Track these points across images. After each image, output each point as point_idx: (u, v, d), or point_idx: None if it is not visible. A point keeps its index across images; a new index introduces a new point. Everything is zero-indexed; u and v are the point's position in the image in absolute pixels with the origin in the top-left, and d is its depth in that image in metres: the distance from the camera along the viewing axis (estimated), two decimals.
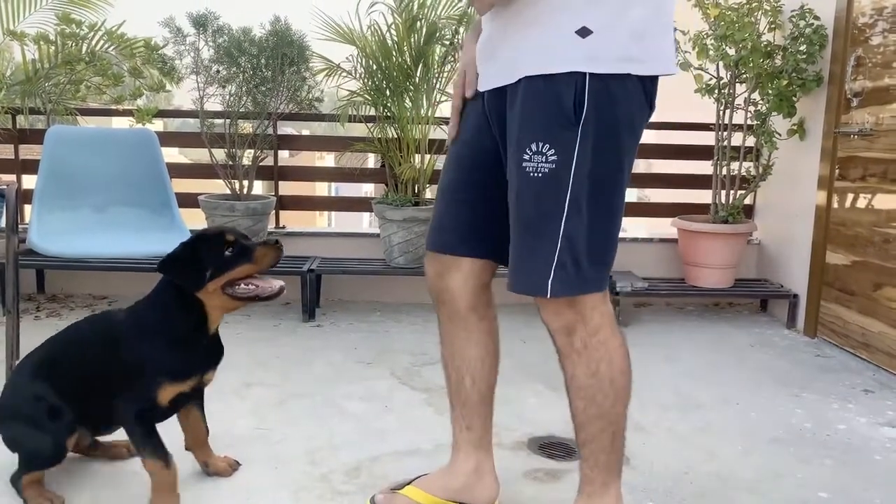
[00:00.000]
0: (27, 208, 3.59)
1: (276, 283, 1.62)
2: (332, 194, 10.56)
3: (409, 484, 1.66)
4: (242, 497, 1.75)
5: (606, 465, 1.40)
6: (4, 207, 2.36)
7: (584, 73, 1.21)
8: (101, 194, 2.81)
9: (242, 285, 1.60)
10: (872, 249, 2.94)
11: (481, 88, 1.41)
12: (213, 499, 1.74)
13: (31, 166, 3.75)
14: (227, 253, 1.58)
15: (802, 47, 3.28)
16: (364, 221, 14.46)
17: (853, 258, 3.06)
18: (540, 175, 1.25)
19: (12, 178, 3.72)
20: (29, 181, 3.67)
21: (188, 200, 3.51)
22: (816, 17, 3.28)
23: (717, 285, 3.57)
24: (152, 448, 1.57)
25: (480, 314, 1.55)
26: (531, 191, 1.27)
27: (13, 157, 3.79)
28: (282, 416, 2.26)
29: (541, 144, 1.24)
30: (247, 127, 3.64)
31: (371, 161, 4.18)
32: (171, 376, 1.59)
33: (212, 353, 1.68)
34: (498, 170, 1.39)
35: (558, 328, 1.35)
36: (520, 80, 1.27)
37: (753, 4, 3.39)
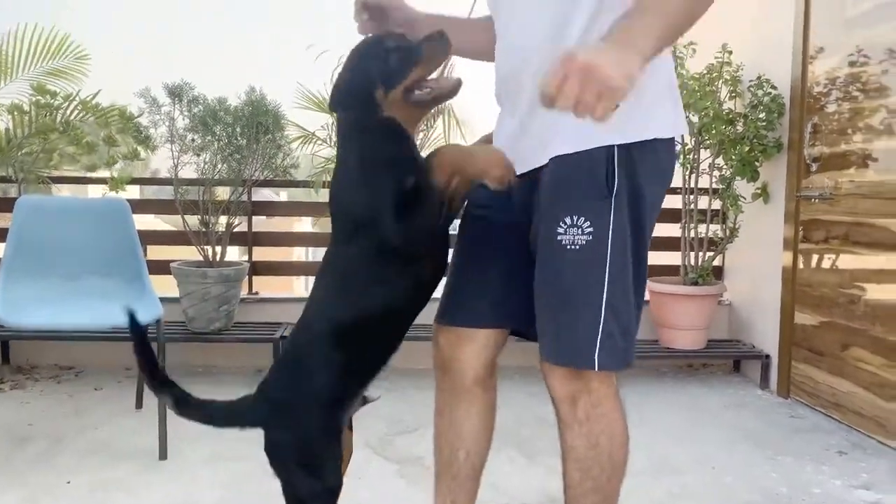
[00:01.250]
0: None
1: (452, 78, 1.41)
2: (311, 259, 10.53)
3: None
4: None
5: None
6: None
7: (613, 146, 1.26)
8: (71, 264, 2.79)
9: (417, 91, 1.38)
10: (838, 310, 3.00)
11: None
12: None
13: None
14: (392, 62, 1.36)
15: (762, 115, 3.41)
16: None
17: (820, 319, 3.12)
18: (577, 247, 1.27)
19: None
20: None
21: (160, 267, 3.48)
22: (774, 87, 3.42)
23: (691, 347, 3.59)
24: None
25: (485, 386, 1.53)
26: (569, 263, 1.28)
27: None
28: (255, 489, 2.20)
29: (576, 217, 1.26)
30: (221, 194, 3.65)
31: None
32: None
33: None
34: (515, 242, 1.40)
35: (563, 396, 1.34)
36: (550, 159, 1.30)
37: (714, 74, 3.54)
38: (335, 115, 1.41)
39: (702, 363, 3.88)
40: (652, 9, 1.12)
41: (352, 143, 1.39)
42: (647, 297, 3.69)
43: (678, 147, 3.64)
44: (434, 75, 1.40)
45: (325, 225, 4.07)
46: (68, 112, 3.48)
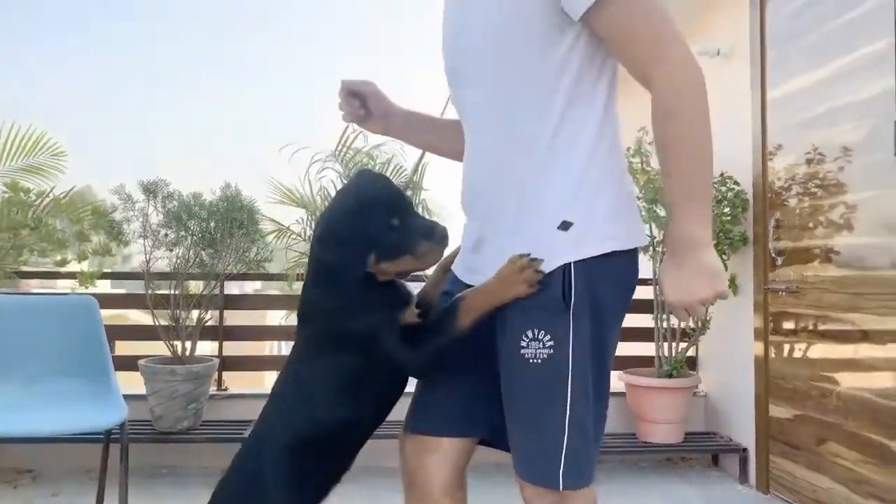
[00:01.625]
0: None
1: (436, 249, 1.33)
2: (279, 353, 10.35)
3: None
4: None
5: None
6: None
7: (570, 262, 1.27)
8: (33, 364, 2.71)
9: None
10: (811, 403, 3.00)
11: (465, 280, 1.42)
12: None
13: None
14: (389, 239, 1.29)
15: (727, 209, 3.51)
16: None
17: (794, 412, 3.12)
18: (539, 361, 1.27)
19: None
20: None
21: (127, 363, 3.40)
22: (736, 183, 3.54)
23: (668, 440, 3.55)
24: None
25: (453, 498, 1.48)
26: (532, 378, 1.28)
27: None
28: None
29: (537, 331, 1.27)
30: (193, 288, 3.62)
31: None
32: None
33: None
34: (481, 351, 1.39)
35: None
36: None
37: None
38: (315, 248, 1.36)
39: (680, 457, 3.83)
40: (685, 188, 1.25)
41: (336, 284, 1.34)
42: (623, 389, 3.70)
43: (641, 248, 3.72)
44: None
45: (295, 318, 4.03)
46: (40, 208, 3.47)
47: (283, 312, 4.09)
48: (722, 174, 3.58)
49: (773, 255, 3.31)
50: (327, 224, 1.33)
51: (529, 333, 1.27)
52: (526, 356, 1.27)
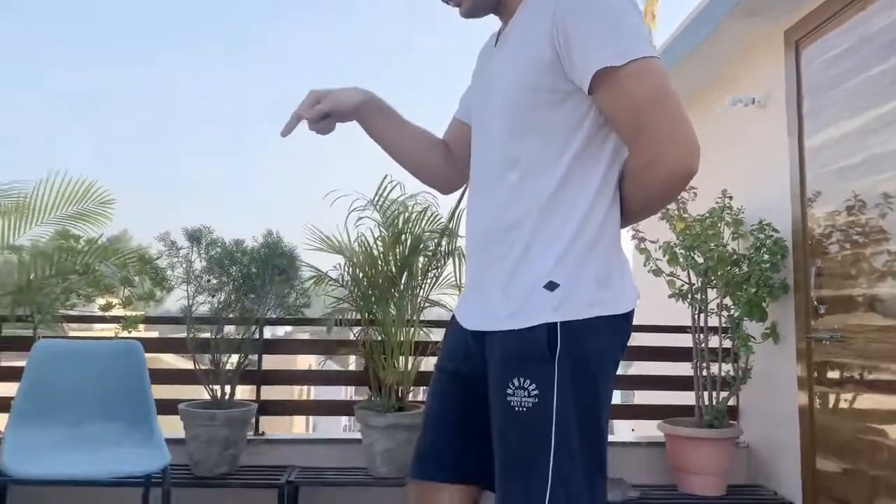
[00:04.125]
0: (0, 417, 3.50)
1: None
2: (311, 397, 10.42)
3: None
4: None
5: None
6: None
7: (556, 323, 1.30)
8: (77, 408, 2.78)
9: None
10: (861, 456, 2.92)
11: (463, 324, 1.48)
12: None
13: (6, 373, 3.70)
14: None
15: (766, 256, 3.48)
16: (341, 422, 14.21)
17: (843, 465, 3.02)
18: (524, 410, 1.28)
19: None
20: (3, 388, 3.61)
21: (167, 408, 3.44)
22: (775, 230, 3.51)
23: (710, 493, 3.45)
24: None
25: None
26: (517, 426, 1.29)
27: None
28: None
29: (522, 380, 1.30)
30: (233, 333, 3.68)
31: (352, 363, 4.19)
32: None
33: None
34: (479, 395, 1.41)
35: None
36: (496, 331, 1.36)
37: (715, 217, 3.64)
38: None
39: None
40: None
41: None
42: (662, 439, 3.63)
43: (676, 289, 3.69)
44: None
45: (339, 363, 4.07)
46: (89, 254, 3.58)
47: (312, 357, 4.12)
48: (760, 221, 3.56)
49: (815, 303, 3.26)
50: None
51: (515, 381, 1.30)
52: (511, 404, 1.30)
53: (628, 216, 1.42)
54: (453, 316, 1.55)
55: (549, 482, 1.26)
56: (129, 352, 2.92)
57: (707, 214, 3.66)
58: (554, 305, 1.31)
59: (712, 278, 3.60)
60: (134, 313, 3.81)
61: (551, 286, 1.32)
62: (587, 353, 1.31)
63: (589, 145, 1.35)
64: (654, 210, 1.43)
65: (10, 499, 3.53)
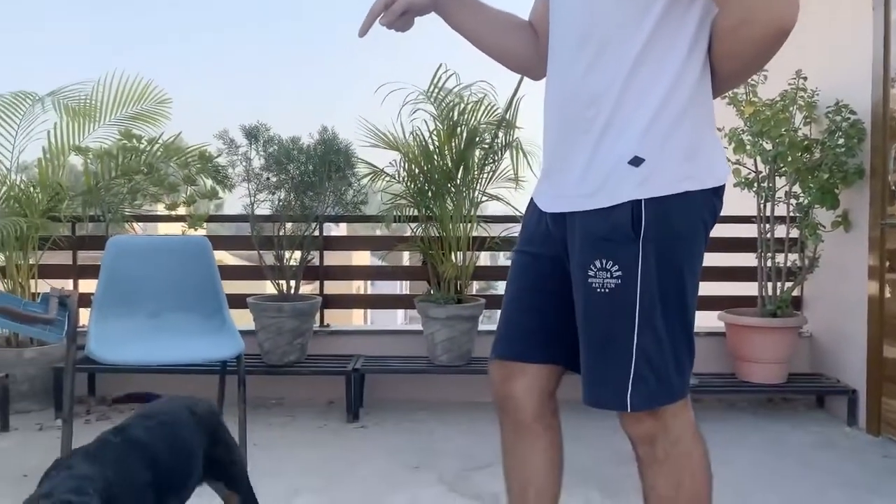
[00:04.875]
0: (83, 312, 3.70)
1: None
2: (368, 291, 10.73)
3: None
4: None
5: None
6: (67, 317, 2.45)
7: (640, 200, 1.25)
8: (155, 300, 2.90)
9: None
10: None
11: (542, 207, 1.43)
12: None
13: (85, 271, 3.89)
14: None
15: (840, 141, 3.31)
16: (398, 317, 14.63)
17: None
18: (607, 291, 1.27)
19: (70, 285, 3.86)
20: (84, 286, 3.81)
21: (237, 302, 3.58)
22: (853, 112, 3.32)
23: (770, 381, 3.46)
24: None
25: (545, 423, 1.52)
26: (600, 307, 1.28)
27: (71, 262, 3.94)
28: None
29: (604, 261, 1.27)
30: (293, 229, 3.75)
31: (405, 258, 4.24)
32: None
33: None
34: (560, 277, 1.40)
35: (639, 437, 1.33)
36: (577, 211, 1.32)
37: (787, 101, 3.45)
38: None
39: (782, 398, 3.74)
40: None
41: None
42: (722, 329, 3.61)
43: (741, 178, 3.56)
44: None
45: (392, 259, 4.13)
46: (151, 154, 3.65)
47: (365, 254, 4.17)
48: (837, 102, 3.36)
49: (893, 188, 3.11)
50: None
51: (597, 263, 1.27)
52: (594, 285, 1.28)
53: (720, 84, 1.31)
54: (532, 200, 1.49)
55: (633, 361, 1.26)
56: (199, 247, 3.01)
57: (778, 98, 3.47)
58: (639, 181, 1.24)
59: (781, 165, 3.46)
60: (198, 213, 3.91)
61: (636, 161, 1.25)
62: (674, 231, 1.26)
63: (674, 5, 1.24)
64: (749, 73, 1.33)
65: (98, 386, 3.80)
